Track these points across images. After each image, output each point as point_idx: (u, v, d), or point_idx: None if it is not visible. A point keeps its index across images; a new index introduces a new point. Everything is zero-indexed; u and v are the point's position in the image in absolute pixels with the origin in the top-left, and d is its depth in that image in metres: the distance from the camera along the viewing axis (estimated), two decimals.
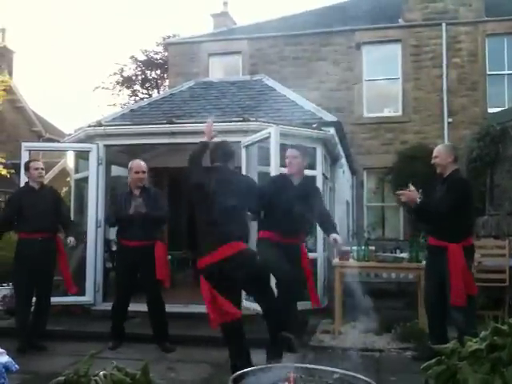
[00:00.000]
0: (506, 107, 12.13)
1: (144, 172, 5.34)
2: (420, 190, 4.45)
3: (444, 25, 13.16)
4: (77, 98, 47.79)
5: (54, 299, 5.59)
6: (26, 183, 5.51)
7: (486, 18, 13.17)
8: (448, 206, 4.32)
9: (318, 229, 6.91)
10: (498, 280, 6.03)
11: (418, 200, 4.39)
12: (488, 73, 13.12)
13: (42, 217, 5.19)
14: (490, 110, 12.52)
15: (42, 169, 5.41)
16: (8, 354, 2.59)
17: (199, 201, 4.03)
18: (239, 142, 6.56)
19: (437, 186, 4.67)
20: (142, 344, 5.15)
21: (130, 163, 5.43)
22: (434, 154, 4.68)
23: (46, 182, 5.68)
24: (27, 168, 5.42)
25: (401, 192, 4.51)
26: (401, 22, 13.72)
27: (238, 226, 3.92)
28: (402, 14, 13.78)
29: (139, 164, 5.37)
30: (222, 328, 3.81)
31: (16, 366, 2.54)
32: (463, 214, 4.43)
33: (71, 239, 5.42)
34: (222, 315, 3.71)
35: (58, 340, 5.41)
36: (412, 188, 4.45)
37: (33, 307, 5.31)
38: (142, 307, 5.36)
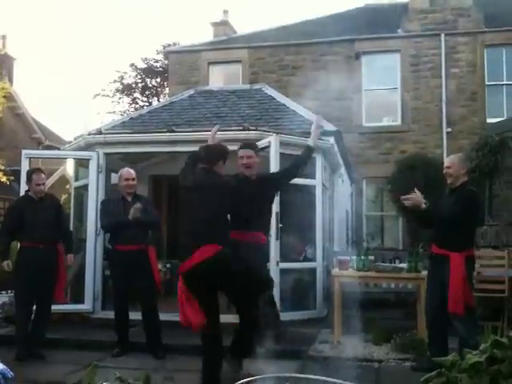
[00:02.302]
0: (505, 117, 12.20)
1: (134, 179, 5.50)
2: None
3: (443, 35, 13.25)
4: (77, 105, 47.89)
5: (54, 307, 5.56)
6: (27, 192, 5.48)
7: (485, 29, 13.25)
8: (459, 216, 4.28)
9: (318, 238, 6.95)
10: (498, 290, 6.03)
11: (424, 205, 4.38)
12: (487, 83, 13.17)
13: (43, 227, 5.19)
14: (489, 121, 12.59)
15: (44, 184, 5.40)
16: (3, 362, 2.58)
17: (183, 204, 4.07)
18: None
19: (443, 195, 4.66)
20: (139, 353, 5.14)
21: (120, 171, 5.61)
22: (447, 164, 4.54)
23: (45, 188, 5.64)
24: (29, 179, 5.35)
25: (406, 196, 4.48)
26: (400, 32, 13.80)
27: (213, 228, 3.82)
28: (402, 24, 13.87)
29: (129, 171, 5.54)
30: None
31: (11, 372, 2.54)
32: (470, 225, 4.46)
33: (71, 258, 5.51)
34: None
35: (57, 348, 5.38)
36: (417, 192, 4.45)
37: (32, 315, 5.28)
38: (139, 316, 5.35)
